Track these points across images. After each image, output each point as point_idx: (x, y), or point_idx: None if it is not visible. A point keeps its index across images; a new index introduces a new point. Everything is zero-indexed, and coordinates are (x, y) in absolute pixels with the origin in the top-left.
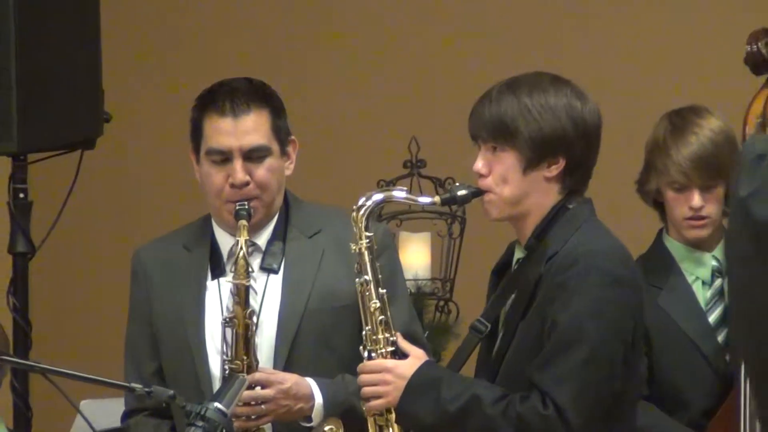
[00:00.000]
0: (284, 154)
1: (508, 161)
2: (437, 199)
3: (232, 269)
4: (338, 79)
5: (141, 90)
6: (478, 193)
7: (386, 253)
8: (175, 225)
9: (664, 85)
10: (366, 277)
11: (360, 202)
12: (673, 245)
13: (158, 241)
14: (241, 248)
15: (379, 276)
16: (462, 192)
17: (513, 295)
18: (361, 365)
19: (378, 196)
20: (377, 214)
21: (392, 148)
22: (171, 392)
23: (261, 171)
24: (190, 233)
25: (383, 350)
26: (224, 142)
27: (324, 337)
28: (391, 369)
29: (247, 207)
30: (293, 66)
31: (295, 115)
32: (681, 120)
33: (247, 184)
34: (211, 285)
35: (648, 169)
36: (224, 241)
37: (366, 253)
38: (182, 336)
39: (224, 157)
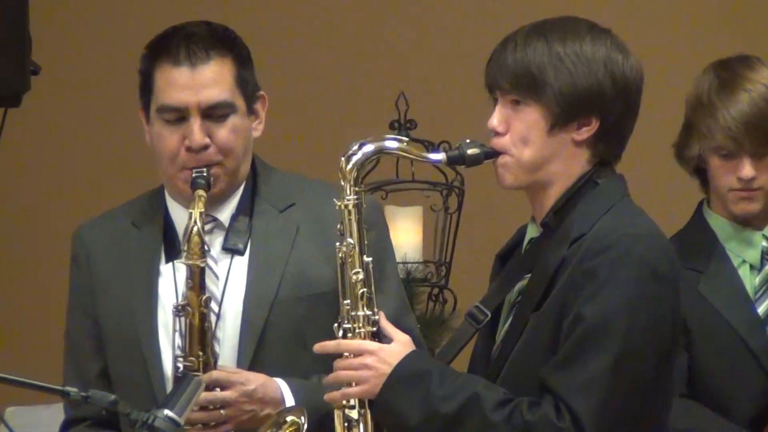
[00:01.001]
0: (251, 112)
1: (531, 117)
2: (443, 156)
3: (186, 248)
4: (312, 25)
5: (76, 37)
6: (493, 153)
7: (374, 231)
8: (121, 198)
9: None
10: (350, 240)
11: (350, 150)
12: (716, 221)
13: (102, 218)
14: (195, 223)
15: (366, 242)
16: (473, 150)
17: (523, 280)
18: (335, 343)
19: (369, 147)
20: (359, 180)
21: (376, 106)
22: (112, 397)
23: (223, 132)
24: (140, 208)
25: (363, 330)
26: (179, 97)
27: (297, 331)
28: (374, 352)
29: (205, 174)
30: (260, 8)
31: (263, 67)
32: (729, 73)
33: (206, 147)
34: (165, 269)
35: (688, 130)
36: (179, 216)
37: (353, 211)
38: (131, 331)
39: (179, 116)
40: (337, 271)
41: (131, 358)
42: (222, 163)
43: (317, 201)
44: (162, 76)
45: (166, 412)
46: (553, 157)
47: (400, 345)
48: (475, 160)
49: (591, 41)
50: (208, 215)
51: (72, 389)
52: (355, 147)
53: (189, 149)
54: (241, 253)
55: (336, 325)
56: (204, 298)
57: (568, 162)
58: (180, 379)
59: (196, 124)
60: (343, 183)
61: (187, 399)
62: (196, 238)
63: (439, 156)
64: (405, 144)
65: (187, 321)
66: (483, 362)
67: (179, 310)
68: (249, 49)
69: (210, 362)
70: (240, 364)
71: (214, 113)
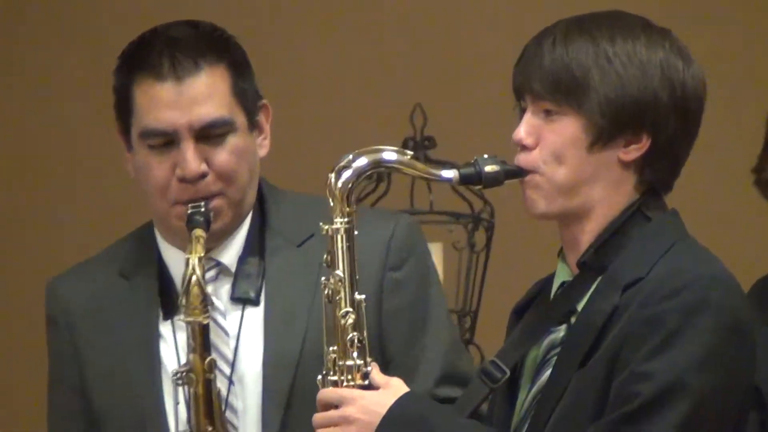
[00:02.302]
0: (253, 127)
1: (567, 130)
2: (454, 174)
3: (183, 303)
4: (320, 31)
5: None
6: (516, 172)
7: (412, 259)
8: (98, 236)
9: None
10: (338, 272)
11: (341, 163)
12: None
13: (81, 269)
14: (193, 270)
15: (357, 277)
16: (491, 167)
17: (554, 333)
18: (318, 394)
19: (362, 160)
20: (350, 198)
21: (389, 121)
22: None
23: (222, 155)
24: (126, 253)
25: (352, 383)
26: (166, 117)
27: None
28: (355, 400)
29: (203, 210)
30: (263, 13)
31: (265, 77)
32: None
33: (203, 176)
34: (165, 329)
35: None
36: (175, 260)
37: (342, 237)
38: (132, 408)
39: (167, 140)
40: (322, 312)
41: None
42: (224, 192)
43: None
44: (143, 94)
45: None
46: (593, 180)
47: (389, 389)
48: (494, 179)
49: (646, 41)
50: (210, 259)
51: None
52: (348, 159)
53: (183, 180)
54: (255, 303)
55: (320, 377)
56: (208, 360)
57: (611, 187)
58: None
59: (189, 150)
60: (332, 203)
61: None
62: (195, 290)
63: (451, 174)
64: (407, 158)
65: (191, 390)
66: (505, 428)
67: (180, 378)
68: (244, 52)
69: None
70: None
71: (209, 134)
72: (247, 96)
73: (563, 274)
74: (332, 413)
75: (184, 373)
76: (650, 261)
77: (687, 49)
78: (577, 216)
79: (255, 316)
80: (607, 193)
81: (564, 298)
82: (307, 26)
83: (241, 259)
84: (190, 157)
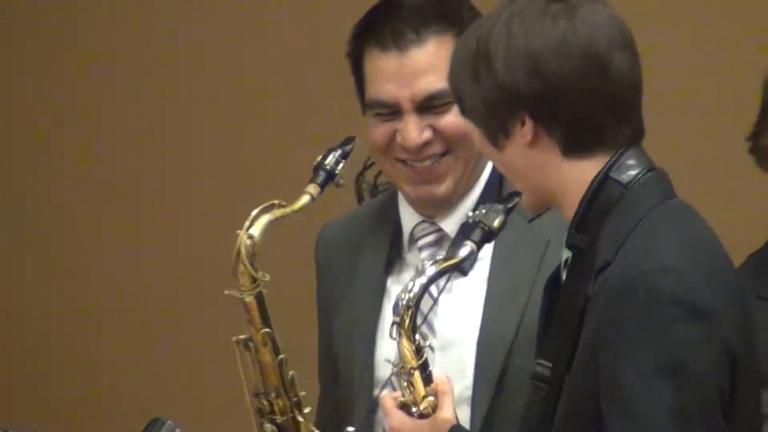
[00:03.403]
0: None
1: (475, 137)
2: (472, 247)
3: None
4: (320, 26)
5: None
6: (511, 209)
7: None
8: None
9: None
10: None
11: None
12: None
13: (343, 220)
14: (239, 247)
15: None
16: (498, 219)
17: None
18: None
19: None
20: None
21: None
22: None
23: (447, 121)
24: (377, 210)
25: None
26: (388, 90)
27: None
28: (399, 430)
29: (331, 166)
30: (266, 11)
31: (271, 73)
32: None
33: (426, 144)
34: (391, 284)
35: (765, 115)
36: (406, 221)
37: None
38: (351, 355)
39: (392, 110)
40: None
41: (350, 400)
42: (451, 151)
43: None
44: (370, 65)
45: None
46: (524, 171)
47: (439, 422)
48: (504, 223)
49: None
50: (432, 223)
51: None
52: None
53: (405, 149)
54: (464, 272)
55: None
56: (261, 333)
57: (547, 167)
58: (151, 424)
59: (410, 122)
60: (240, 268)
61: None
62: (240, 267)
63: (468, 249)
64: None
65: (256, 358)
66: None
67: (243, 345)
68: (478, 12)
69: (288, 409)
70: (474, 417)
71: (432, 105)
72: None
73: (566, 253)
74: None
75: (244, 341)
76: (617, 242)
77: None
78: (552, 203)
79: (477, 289)
80: (549, 175)
81: (568, 287)
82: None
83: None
84: (411, 128)
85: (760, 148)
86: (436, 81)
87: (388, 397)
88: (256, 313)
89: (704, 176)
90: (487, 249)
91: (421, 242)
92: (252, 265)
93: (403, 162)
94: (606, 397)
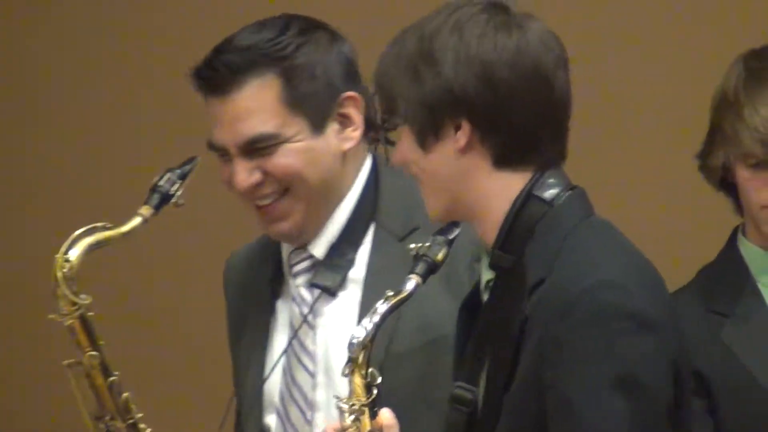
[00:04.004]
0: (321, 127)
1: (405, 141)
2: (417, 281)
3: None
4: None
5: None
6: (452, 240)
7: None
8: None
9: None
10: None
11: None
12: (749, 251)
13: (246, 248)
14: (54, 271)
15: None
16: (442, 252)
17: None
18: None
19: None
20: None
21: None
22: None
23: (275, 163)
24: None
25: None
26: (216, 134)
27: (417, 391)
28: None
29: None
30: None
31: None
32: (759, 64)
33: (258, 185)
34: (281, 311)
35: (713, 135)
36: (284, 248)
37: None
38: (243, 393)
39: (223, 153)
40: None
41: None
42: (289, 190)
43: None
44: (207, 106)
45: None
46: (448, 176)
47: None
48: (448, 254)
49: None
50: (304, 250)
51: None
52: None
53: (239, 192)
54: (332, 294)
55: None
56: (88, 355)
57: (472, 177)
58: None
59: (237, 165)
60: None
61: None
62: (58, 291)
63: (413, 283)
64: None
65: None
66: None
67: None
68: (323, 44)
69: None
70: None
71: (256, 148)
72: (308, 99)
73: (486, 272)
74: None
75: (74, 365)
76: (549, 258)
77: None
78: (466, 216)
79: (350, 312)
80: (473, 185)
81: (492, 304)
82: None
83: (333, 248)
84: (238, 171)
85: (708, 168)
86: (257, 124)
87: (330, 429)
88: (81, 336)
89: (654, 188)
90: (360, 269)
91: (295, 269)
92: (71, 288)
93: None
94: (555, 415)
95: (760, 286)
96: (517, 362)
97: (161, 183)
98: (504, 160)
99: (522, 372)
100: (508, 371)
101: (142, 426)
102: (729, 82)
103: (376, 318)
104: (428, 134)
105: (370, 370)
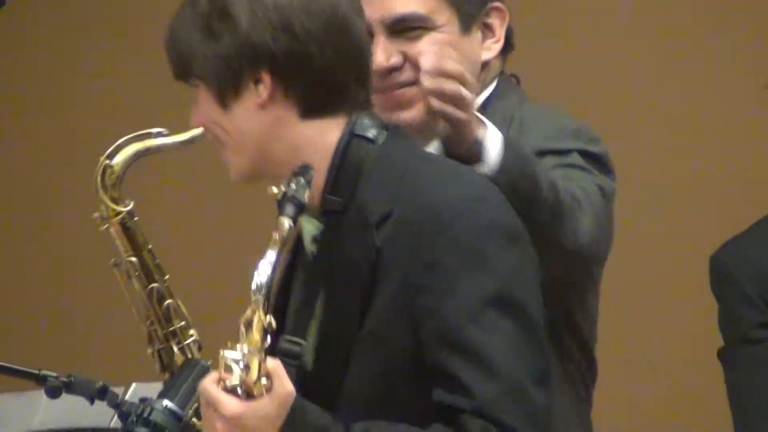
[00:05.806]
0: (469, 26)
1: (203, 101)
2: (289, 223)
3: None
4: None
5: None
6: (309, 182)
7: None
8: None
9: None
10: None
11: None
12: None
13: None
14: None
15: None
16: (306, 194)
17: (324, 294)
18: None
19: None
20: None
21: None
22: (100, 383)
23: (421, 47)
24: None
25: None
26: (366, 10)
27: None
28: (228, 419)
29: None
30: None
31: None
32: None
33: (393, 69)
34: None
35: None
36: None
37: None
38: None
39: (371, 32)
40: None
41: None
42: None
43: None
44: None
45: (165, 402)
46: (257, 133)
47: (277, 397)
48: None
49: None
50: None
51: (50, 373)
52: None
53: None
54: None
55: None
56: (128, 260)
57: (283, 130)
58: (184, 363)
59: (378, 44)
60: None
61: (189, 388)
62: (99, 192)
63: (286, 224)
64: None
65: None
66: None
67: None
68: None
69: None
70: None
71: (403, 28)
72: None
73: (310, 227)
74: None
75: (117, 265)
76: (392, 191)
77: None
78: (277, 172)
79: None
80: (281, 138)
81: (325, 254)
82: None
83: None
84: (378, 50)
85: None
86: (407, 4)
87: (209, 382)
88: (121, 242)
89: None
90: None
91: None
92: (109, 193)
93: (380, 93)
94: (436, 341)
95: None
96: (369, 301)
97: None
98: (311, 109)
99: (380, 309)
100: (357, 314)
101: (189, 333)
102: None
103: (271, 259)
104: (228, 91)
105: (267, 316)
